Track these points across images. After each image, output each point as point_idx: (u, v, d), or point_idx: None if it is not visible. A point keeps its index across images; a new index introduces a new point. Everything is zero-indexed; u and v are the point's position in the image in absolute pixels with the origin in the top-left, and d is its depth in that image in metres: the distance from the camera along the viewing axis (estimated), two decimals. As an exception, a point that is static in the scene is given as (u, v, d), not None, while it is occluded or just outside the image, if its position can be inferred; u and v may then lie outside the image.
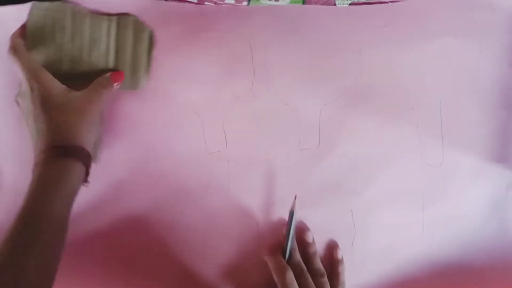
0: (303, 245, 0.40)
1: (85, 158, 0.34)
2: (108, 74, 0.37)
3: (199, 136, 0.39)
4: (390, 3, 0.39)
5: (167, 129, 0.39)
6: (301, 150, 0.40)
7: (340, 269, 0.40)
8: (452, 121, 0.40)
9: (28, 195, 0.31)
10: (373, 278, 0.41)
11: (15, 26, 0.36)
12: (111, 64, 0.38)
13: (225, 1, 0.39)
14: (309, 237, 0.40)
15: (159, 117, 0.39)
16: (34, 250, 0.29)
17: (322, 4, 0.39)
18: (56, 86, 0.34)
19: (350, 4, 0.39)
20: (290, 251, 0.38)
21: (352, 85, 0.40)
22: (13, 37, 0.36)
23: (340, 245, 0.41)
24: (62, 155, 0.32)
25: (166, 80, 0.39)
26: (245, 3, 0.39)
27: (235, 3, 0.39)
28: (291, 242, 0.38)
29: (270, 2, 0.39)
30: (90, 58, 0.37)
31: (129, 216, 0.40)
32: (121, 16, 0.38)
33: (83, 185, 0.35)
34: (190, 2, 0.38)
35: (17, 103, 0.36)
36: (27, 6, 0.36)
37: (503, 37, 0.40)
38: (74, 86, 0.35)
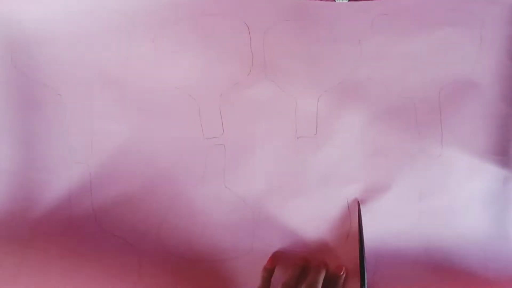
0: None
1: None
2: None
3: (196, 121, 0.39)
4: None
5: (164, 113, 0.39)
6: (298, 138, 0.40)
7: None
8: (451, 112, 0.40)
9: None
10: (367, 269, 0.41)
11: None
12: None
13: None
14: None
15: (155, 101, 0.39)
16: None
17: (321, 0, 0.39)
18: None
19: (349, 0, 0.39)
20: None
21: (350, 74, 0.40)
22: None
23: (335, 234, 0.40)
24: None
25: (163, 64, 0.39)
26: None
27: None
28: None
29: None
30: None
31: (122, 201, 0.40)
32: None
33: None
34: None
35: None
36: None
37: (504, 29, 0.40)
38: None
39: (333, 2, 0.39)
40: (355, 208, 0.40)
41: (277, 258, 0.39)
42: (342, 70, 0.40)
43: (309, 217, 0.40)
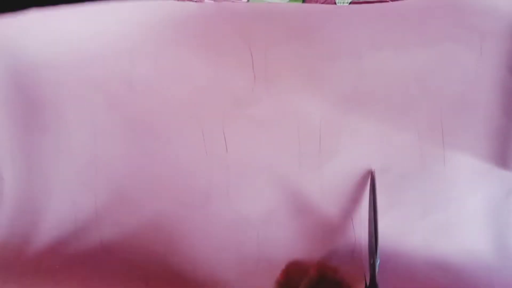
0: None
1: None
2: None
3: (199, 141, 0.39)
4: (391, 2, 0.39)
5: (167, 133, 0.39)
6: (301, 155, 0.40)
7: None
8: (453, 127, 0.40)
9: None
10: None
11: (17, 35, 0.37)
12: None
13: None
14: None
15: (159, 121, 0.39)
16: None
17: (322, 3, 0.39)
18: None
19: (350, 3, 0.39)
20: None
21: (352, 90, 0.40)
22: None
23: (339, 253, 0.40)
24: None
25: (166, 84, 0.39)
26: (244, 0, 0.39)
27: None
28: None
29: (270, -1, 0.39)
30: None
31: (128, 222, 0.40)
32: None
33: None
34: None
35: None
36: (27, 14, 0.37)
37: (504, 43, 0.40)
38: None
39: (334, 6, 0.39)
40: (360, 224, 0.40)
41: (290, 271, 0.39)
42: (344, 86, 0.40)
43: (314, 235, 0.40)
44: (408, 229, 0.40)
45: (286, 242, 0.40)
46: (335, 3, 0.39)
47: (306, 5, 0.39)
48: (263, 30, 0.39)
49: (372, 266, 0.35)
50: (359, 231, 0.40)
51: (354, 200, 0.40)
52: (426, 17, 0.40)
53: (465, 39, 0.40)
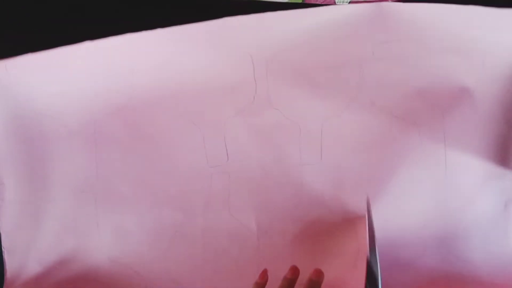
0: None
1: None
2: None
3: (200, 149, 0.39)
4: (390, 2, 0.39)
5: (168, 142, 0.39)
6: (302, 165, 0.40)
7: None
8: (455, 137, 0.40)
9: None
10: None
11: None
12: None
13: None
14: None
15: (159, 130, 0.39)
16: None
17: (321, 3, 0.39)
18: None
19: (349, 3, 0.39)
20: None
21: (353, 100, 0.40)
22: None
23: (342, 265, 0.40)
24: None
25: (167, 93, 0.39)
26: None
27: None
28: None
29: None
30: None
31: (129, 230, 0.40)
32: None
33: None
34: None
35: None
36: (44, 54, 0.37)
37: (506, 56, 0.40)
38: None
39: (333, 6, 0.39)
40: (363, 235, 0.39)
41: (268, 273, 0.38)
42: (345, 96, 0.40)
43: (315, 245, 0.40)
44: (410, 240, 0.40)
45: (286, 251, 0.39)
46: (334, 3, 0.39)
47: (307, 10, 0.39)
48: (264, 41, 0.39)
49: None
50: (362, 241, 0.39)
51: (356, 210, 0.40)
52: (428, 29, 0.40)
53: (466, 51, 0.39)
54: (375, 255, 0.34)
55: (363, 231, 0.39)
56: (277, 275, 0.39)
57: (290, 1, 0.39)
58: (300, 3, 0.40)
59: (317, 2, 0.39)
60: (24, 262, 0.40)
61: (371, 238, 0.35)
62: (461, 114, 0.40)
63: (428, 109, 0.40)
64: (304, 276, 0.38)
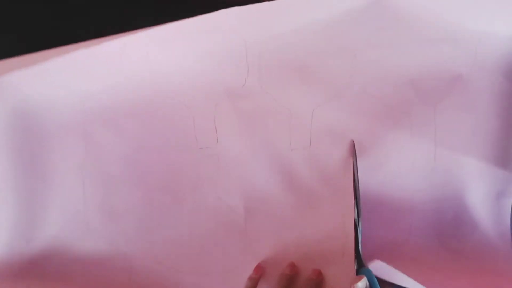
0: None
1: None
2: None
3: (190, 131, 0.39)
4: None
5: (158, 122, 0.39)
6: (292, 150, 0.40)
7: None
8: (446, 128, 0.40)
9: None
10: None
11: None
12: None
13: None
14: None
15: (150, 110, 0.39)
16: None
17: None
18: None
19: None
20: None
21: (345, 87, 0.40)
22: None
23: (330, 252, 0.39)
24: None
25: (159, 74, 0.39)
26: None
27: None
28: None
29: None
30: None
31: (117, 210, 0.40)
32: None
33: None
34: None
35: None
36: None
37: (499, 47, 0.40)
38: None
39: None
40: (351, 224, 0.39)
41: (264, 267, 0.38)
42: (337, 82, 0.40)
43: (302, 230, 0.39)
44: (397, 229, 0.40)
45: (274, 235, 0.39)
46: None
47: None
48: (257, 25, 0.39)
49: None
50: (350, 230, 0.39)
51: (344, 197, 0.40)
52: (423, 18, 0.40)
53: (460, 41, 0.40)
54: (358, 205, 0.35)
55: (351, 217, 0.39)
56: (263, 260, 0.39)
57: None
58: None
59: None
60: (10, 241, 0.40)
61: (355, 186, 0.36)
62: (453, 104, 0.40)
63: (419, 99, 0.40)
64: (289, 261, 0.38)
